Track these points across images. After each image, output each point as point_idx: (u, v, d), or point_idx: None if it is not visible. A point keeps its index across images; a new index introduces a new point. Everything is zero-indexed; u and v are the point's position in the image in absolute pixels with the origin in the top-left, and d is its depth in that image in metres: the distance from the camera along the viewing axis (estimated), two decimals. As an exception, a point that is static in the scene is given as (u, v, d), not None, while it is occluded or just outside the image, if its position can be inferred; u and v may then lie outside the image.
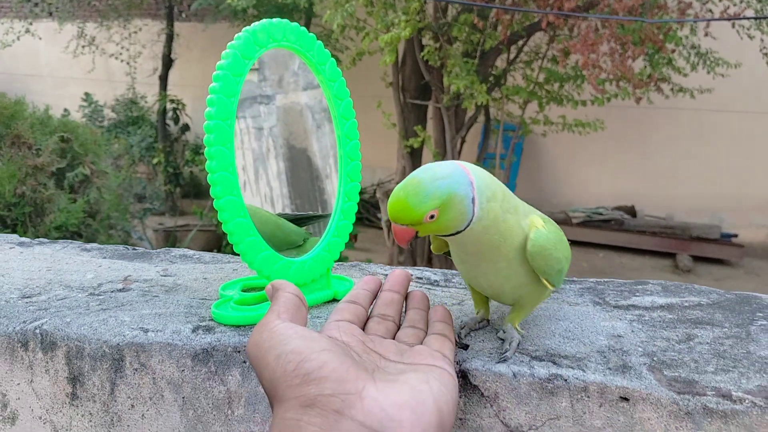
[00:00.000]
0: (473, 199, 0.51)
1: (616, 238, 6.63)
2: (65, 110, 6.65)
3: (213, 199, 0.58)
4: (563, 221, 6.71)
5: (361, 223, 7.22)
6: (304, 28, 0.65)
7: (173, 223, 6.76)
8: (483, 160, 6.04)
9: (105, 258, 0.84)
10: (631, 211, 7.12)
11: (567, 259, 0.57)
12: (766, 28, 5.20)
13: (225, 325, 0.60)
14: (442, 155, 5.16)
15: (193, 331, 0.59)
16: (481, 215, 0.51)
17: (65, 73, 9.36)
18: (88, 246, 0.89)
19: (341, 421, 0.41)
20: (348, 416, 0.41)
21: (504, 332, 0.58)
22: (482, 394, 0.52)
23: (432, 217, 0.50)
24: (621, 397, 0.50)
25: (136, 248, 0.88)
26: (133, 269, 0.79)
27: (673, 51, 4.92)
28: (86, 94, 8.52)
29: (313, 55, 0.65)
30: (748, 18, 4.99)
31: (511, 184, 6.82)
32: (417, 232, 0.52)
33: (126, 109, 8.71)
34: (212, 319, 0.62)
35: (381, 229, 6.01)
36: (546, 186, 7.61)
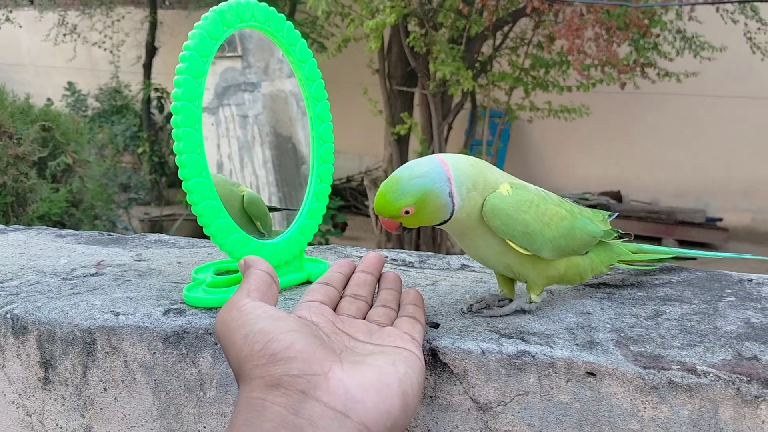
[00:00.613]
0: (451, 193, 0.55)
1: (602, 223, 6.66)
2: (48, 99, 6.57)
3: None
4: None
5: (349, 210, 7.22)
6: (273, 9, 0.64)
7: (159, 213, 6.73)
8: (470, 146, 6.04)
9: (79, 244, 0.84)
10: (617, 196, 7.16)
11: (545, 224, 0.57)
12: (750, 12, 5.23)
13: (196, 308, 0.60)
14: (428, 142, 5.16)
15: (165, 313, 0.59)
16: (462, 204, 0.55)
17: (47, 62, 9.25)
18: (63, 232, 0.89)
19: (306, 401, 0.41)
20: (313, 397, 0.41)
21: (517, 296, 0.61)
22: (452, 371, 0.53)
23: (407, 212, 0.54)
24: (588, 373, 0.50)
25: (111, 234, 0.88)
26: (107, 254, 0.79)
27: (658, 36, 4.93)
28: (69, 83, 8.43)
29: (282, 35, 0.65)
30: (731, 1, 5.00)
31: (497, 170, 6.83)
32: (402, 224, 0.56)
33: (110, 98, 8.63)
34: (184, 302, 0.61)
35: (369, 216, 6.02)
36: (533, 172, 7.63)
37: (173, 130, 0.56)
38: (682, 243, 6.40)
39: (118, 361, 0.58)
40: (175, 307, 0.60)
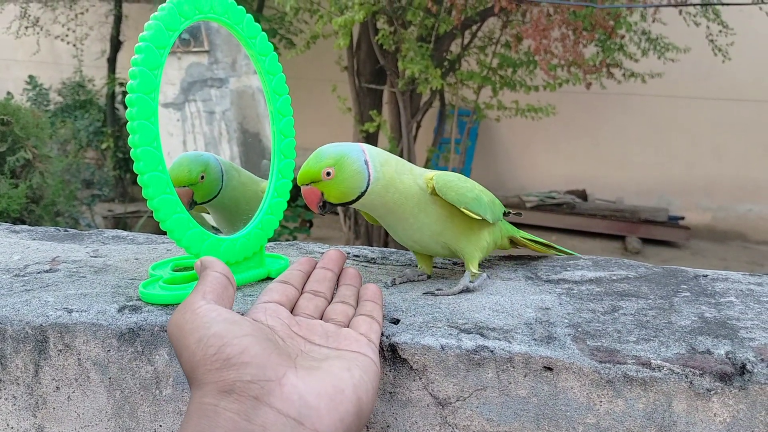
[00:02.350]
0: (366, 162, 0.60)
1: (568, 221, 6.75)
2: (8, 93, 6.40)
3: None
4: (517, 205, 6.80)
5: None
6: (232, 1, 0.63)
7: (123, 210, 6.61)
8: (438, 144, 6.06)
9: (34, 240, 0.82)
10: (583, 195, 7.26)
11: (482, 191, 0.66)
12: (712, 15, 5.34)
13: (152, 305, 0.59)
14: (397, 140, 5.16)
15: (119, 310, 0.58)
16: (377, 176, 0.60)
17: (8, 55, 9.01)
18: (18, 228, 0.86)
19: (259, 407, 0.40)
20: (266, 403, 0.41)
21: (462, 277, 0.65)
22: (411, 367, 0.53)
23: (329, 174, 0.59)
24: (545, 367, 0.51)
25: (68, 230, 0.86)
26: (62, 250, 0.77)
27: (623, 37, 5.01)
28: (30, 77, 8.22)
29: (242, 28, 0.64)
30: (694, 4, 5.11)
31: (466, 168, 6.88)
32: (323, 194, 0.60)
33: (73, 92, 8.44)
34: (140, 299, 0.60)
35: (337, 214, 6.00)
36: (500, 170, 7.70)
37: (128, 123, 0.55)
38: (646, 241, 6.51)
39: (71, 359, 0.57)
40: (130, 303, 0.59)
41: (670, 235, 6.62)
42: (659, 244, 6.58)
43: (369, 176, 0.60)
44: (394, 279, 0.67)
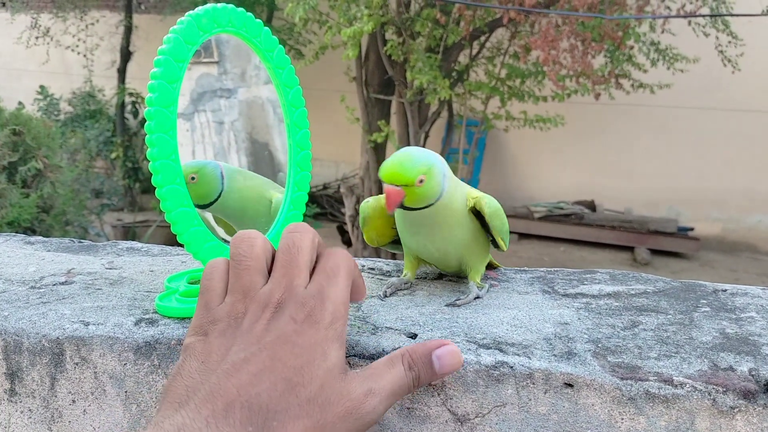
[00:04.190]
0: (444, 175, 0.61)
1: (576, 232, 6.73)
2: (20, 103, 6.46)
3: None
4: (525, 216, 6.79)
5: (326, 218, 7.19)
6: (251, 15, 0.63)
7: (132, 219, 6.64)
8: (446, 154, 6.06)
9: (49, 251, 0.82)
10: (591, 206, 7.24)
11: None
12: (721, 26, 5.33)
13: (169, 318, 0.59)
14: (405, 150, 5.16)
15: (136, 323, 0.58)
16: (447, 189, 0.62)
17: (19, 65, 9.09)
18: (32, 239, 0.87)
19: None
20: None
21: (467, 287, 0.67)
22: (430, 383, 0.52)
23: (421, 181, 0.59)
24: (565, 384, 0.50)
25: (82, 241, 0.86)
26: (77, 262, 0.77)
27: (632, 47, 5.01)
28: (41, 87, 8.29)
29: (260, 41, 0.64)
30: (703, 15, 5.11)
31: (474, 178, 6.87)
32: (404, 199, 0.60)
33: (83, 102, 8.51)
34: (156, 312, 0.60)
35: (345, 224, 6.00)
36: (508, 181, 7.69)
37: (147, 136, 0.55)
38: (654, 252, 6.48)
39: (87, 373, 0.57)
40: (146, 317, 0.59)
41: (680, 246, 6.59)
42: (668, 255, 6.55)
43: (443, 188, 0.61)
44: (385, 291, 0.66)
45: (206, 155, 0.80)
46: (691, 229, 6.85)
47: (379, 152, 5.40)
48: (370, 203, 0.71)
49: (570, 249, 6.65)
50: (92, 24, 8.08)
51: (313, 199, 7.04)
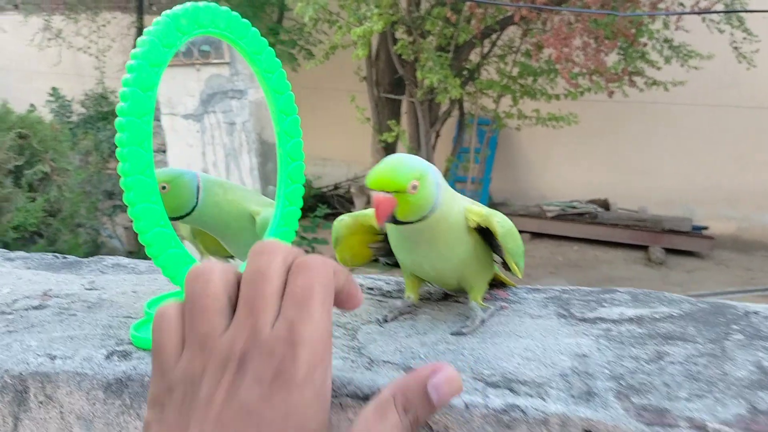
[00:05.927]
0: (438, 184, 0.56)
1: (589, 231, 6.64)
2: (31, 105, 6.46)
3: None
4: (537, 215, 6.70)
5: (335, 218, 7.13)
6: (237, 14, 0.58)
7: (144, 221, 6.61)
8: (457, 154, 6.00)
9: (29, 268, 0.77)
10: (605, 205, 7.13)
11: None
12: (736, 22, 5.23)
13: (144, 350, 0.53)
14: (416, 149, 5.12)
15: (107, 357, 0.52)
16: (442, 201, 0.56)
17: (31, 67, 9.11)
18: (12, 255, 0.82)
19: None
20: None
21: (470, 310, 0.61)
22: (431, 428, 0.46)
23: (414, 187, 0.53)
24: (585, 430, 0.44)
25: (66, 257, 0.81)
26: (56, 282, 0.72)
27: (645, 45, 4.92)
28: (53, 88, 8.30)
29: (246, 43, 0.58)
30: (717, 12, 5.00)
31: (485, 177, 6.80)
32: (395, 208, 0.54)
33: (95, 104, 8.50)
34: (131, 343, 0.55)
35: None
36: (520, 180, 7.60)
37: (117, 150, 0.50)
38: (669, 251, 6.38)
39: (53, 413, 0.51)
40: (120, 348, 0.54)
41: (694, 245, 6.48)
42: (683, 254, 6.44)
43: (437, 199, 0.56)
44: (386, 315, 0.61)
45: (216, 156, 0.75)
46: (706, 228, 6.73)
47: (389, 152, 5.34)
48: (344, 221, 0.66)
49: (583, 248, 6.56)
50: (104, 25, 8.08)
51: (323, 199, 6.99)
